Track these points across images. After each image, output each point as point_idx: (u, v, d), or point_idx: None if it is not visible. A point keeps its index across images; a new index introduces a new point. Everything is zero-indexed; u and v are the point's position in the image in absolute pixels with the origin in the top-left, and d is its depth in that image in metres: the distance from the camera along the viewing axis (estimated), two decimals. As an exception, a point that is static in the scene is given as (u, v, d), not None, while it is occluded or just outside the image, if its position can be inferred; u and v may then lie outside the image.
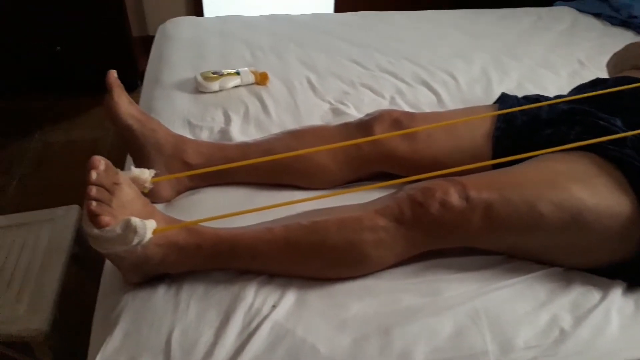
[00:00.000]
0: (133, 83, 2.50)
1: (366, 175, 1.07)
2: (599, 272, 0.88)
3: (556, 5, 2.11)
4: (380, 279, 0.85)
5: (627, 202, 0.84)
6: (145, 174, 0.81)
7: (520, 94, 1.19)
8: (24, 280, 1.10)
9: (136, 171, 0.80)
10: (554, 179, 0.87)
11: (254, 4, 3.64)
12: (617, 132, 0.91)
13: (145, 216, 0.73)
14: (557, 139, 0.95)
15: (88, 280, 1.35)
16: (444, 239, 0.86)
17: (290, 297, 0.81)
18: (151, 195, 0.95)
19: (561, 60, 1.62)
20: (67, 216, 1.27)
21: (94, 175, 0.69)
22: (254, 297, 0.80)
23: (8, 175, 2.05)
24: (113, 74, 0.97)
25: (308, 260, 0.83)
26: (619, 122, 0.95)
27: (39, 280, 1.11)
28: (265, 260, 0.83)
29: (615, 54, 1.26)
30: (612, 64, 1.27)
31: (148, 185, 0.81)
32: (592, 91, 1.05)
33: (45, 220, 1.27)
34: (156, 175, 0.84)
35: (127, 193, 0.74)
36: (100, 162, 0.70)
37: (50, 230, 1.24)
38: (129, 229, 0.68)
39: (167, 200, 1.00)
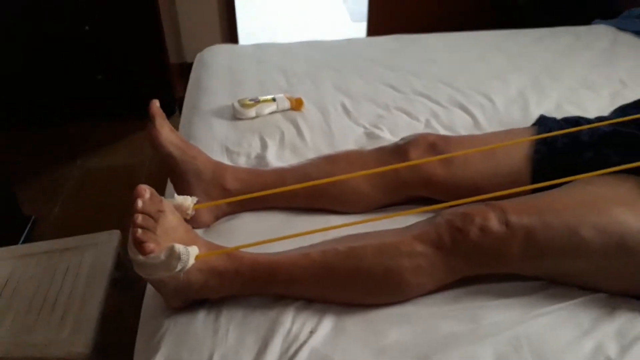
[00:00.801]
0: (170, 109, 2.57)
1: (402, 199, 1.07)
2: (647, 299, 0.85)
3: (594, 23, 2.08)
4: (418, 306, 0.84)
5: (674, 227, 0.81)
6: (188, 201, 0.83)
7: (559, 116, 1.17)
8: (67, 304, 1.14)
9: (179, 199, 0.83)
10: (597, 202, 0.85)
11: (288, 32, 3.73)
12: (662, 155, 0.88)
13: (187, 242, 0.75)
14: (599, 162, 0.93)
15: (127, 305, 1.38)
16: (484, 265, 0.85)
17: (328, 323, 0.81)
18: (191, 221, 0.97)
19: (602, 80, 1.59)
20: (108, 241, 1.31)
21: (139, 203, 0.71)
22: (292, 322, 0.81)
23: (51, 201, 2.12)
24: (155, 103, 1.01)
25: (345, 286, 0.83)
26: (664, 145, 0.92)
27: (81, 304, 1.14)
28: (302, 286, 0.83)
29: (658, 74, 1.23)
30: (655, 84, 1.24)
31: (190, 212, 0.84)
32: (637, 112, 1.03)
33: (87, 245, 1.31)
34: (197, 202, 0.86)
35: (171, 220, 0.76)
36: (146, 191, 0.73)
37: (93, 255, 1.28)
38: (173, 256, 0.70)
39: (207, 226, 1.02)
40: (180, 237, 0.76)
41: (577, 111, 1.39)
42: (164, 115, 1.02)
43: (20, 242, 1.85)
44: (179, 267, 0.70)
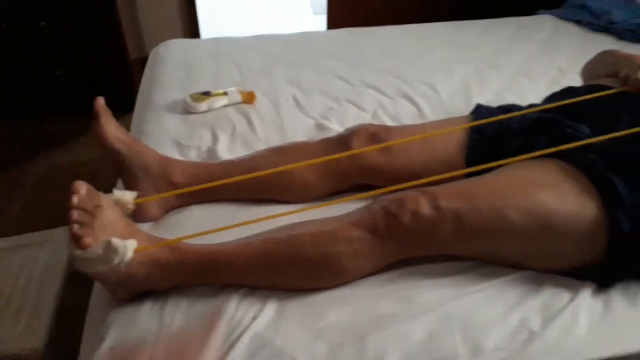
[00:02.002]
0: (131, 104, 2.56)
1: (346, 187, 1.11)
2: (570, 275, 0.91)
3: (538, 13, 2.15)
4: (356, 288, 0.88)
5: (593, 206, 0.87)
6: (127, 196, 0.86)
7: (499, 103, 1.23)
8: (22, 300, 1.15)
9: (118, 193, 0.85)
10: (522, 186, 0.90)
11: (251, 25, 3.73)
12: (582, 139, 0.94)
13: (127, 236, 0.77)
14: (525, 147, 0.99)
15: (86, 299, 1.39)
16: (418, 248, 0.90)
17: (270, 309, 0.85)
18: (139, 214, 1.00)
19: (541, 69, 1.66)
20: (64, 236, 1.31)
21: (75, 199, 0.73)
22: (236, 309, 0.84)
23: (10, 198, 2.10)
24: (100, 100, 1.02)
25: (286, 273, 0.87)
26: (585, 129, 0.98)
27: (36, 300, 1.15)
28: (245, 274, 0.87)
29: (587, 63, 1.30)
30: (584, 73, 1.31)
31: (131, 206, 0.86)
32: (563, 99, 1.09)
33: (43, 241, 1.31)
34: (139, 196, 0.88)
35: (109, 215, 0.79)
36: (82, 187, 0.75)
37: (48, 251, 1.28)
38: (110, 249, 0.72)
39: (155, 219, 1.04)
40: (119, 231, 0.79)
41: (516, 99, 1.45)
42: (109, 112, 1.04)
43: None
44: (116, 261, 0.73)
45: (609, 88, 1.06)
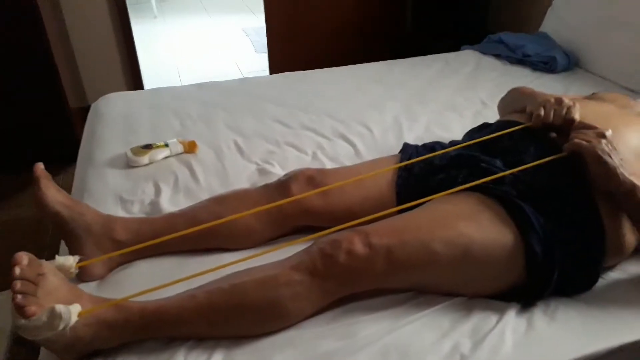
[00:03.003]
0: (74, 153, 2.54)
1: (289, 230, 1.16)
2: (498, 298, 0.99)
3: (463, 49, 2.30)
4: (300, 329, 0.93)
5: (509, 233, 0.96)
6: (70, 261, 0.88)
7: (428, 139, 1.32)
8: (-34, 372, 1.13)
9: (60, 259, 0.87)
10: (444, 219, 0.99)
11: (195, 67, 3.80)
12: (497, 172, 1.04)
13: (70, 301, 0.80)
14: (447, 182, 1.08)
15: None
16: (355, 284, 0.96)
17: (217, 358, 0.88)
18: (85, 275, 1.02)
19: (466, 102, 1.78)
20: (7, 302, 1.29)
21: (17, 270, 0.76)
22: (184, 362, 0.87)
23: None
24: (39, 166, 1.05)
25: (231, 321, 0.91)
26: (498, 163, 1.08)
27: (-19, 370, 1.13)
28: (191, 326, 0.90)
29: (501, 99, 1.42)
30: (499, 108, 1.43)
31: (74, 270, 0.88)
32: (480, 135, 1.19)
33: (-14, 308, 1.29)
34: (81, 259, 0.91)
35: (52, 281, 0.81)
36: (23, 258, 0.77)
37: (-8, 317, 1.27)
38: (54, 316, 0.75)
39: (101, 278, 1.06)
40: (63, 296, 0.81)
41: (444, 132, 1.56)
42: (49, 176, 1.06)
43: None
44: (61, 326, 0.75)
45: (519, 123, 1.16)
